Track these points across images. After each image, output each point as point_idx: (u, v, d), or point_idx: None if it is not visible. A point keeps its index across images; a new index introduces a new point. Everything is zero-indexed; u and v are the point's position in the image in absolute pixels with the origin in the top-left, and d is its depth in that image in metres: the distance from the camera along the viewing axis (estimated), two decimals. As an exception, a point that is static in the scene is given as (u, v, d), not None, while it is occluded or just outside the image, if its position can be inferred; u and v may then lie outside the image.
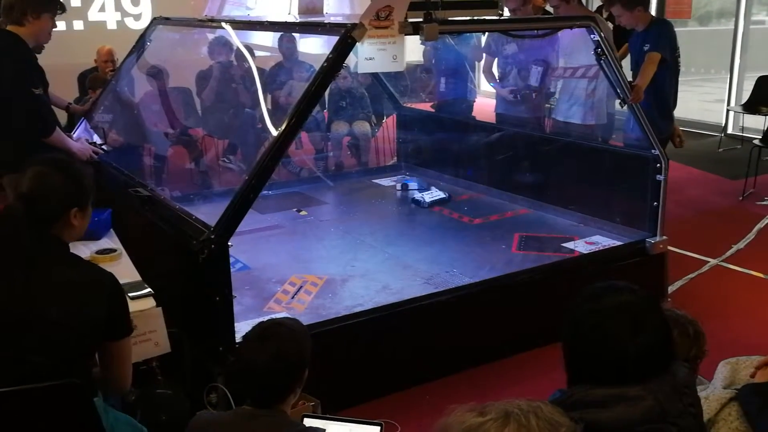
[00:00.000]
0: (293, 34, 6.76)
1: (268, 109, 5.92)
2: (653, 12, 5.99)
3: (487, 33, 5.71)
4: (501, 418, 1.24)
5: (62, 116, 5.33)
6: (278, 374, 2.04)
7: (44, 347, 2.01)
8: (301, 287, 3.89)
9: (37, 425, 2.02)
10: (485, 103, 6.99)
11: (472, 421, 1.25)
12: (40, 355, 2.01)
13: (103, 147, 4.65)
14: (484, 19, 4.02)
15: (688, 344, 2.40)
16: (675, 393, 1.62)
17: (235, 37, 5.83)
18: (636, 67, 4.76)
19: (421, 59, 7.60)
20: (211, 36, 6.73)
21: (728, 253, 5.26)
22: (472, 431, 1.24)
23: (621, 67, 4.16)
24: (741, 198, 6.56)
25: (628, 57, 5.06)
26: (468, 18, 3.93)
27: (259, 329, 2.13)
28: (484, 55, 6.03)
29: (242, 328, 3.01)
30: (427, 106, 6.94)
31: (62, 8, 4.02)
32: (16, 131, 3.79)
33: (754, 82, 8.21)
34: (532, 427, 1.23)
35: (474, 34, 6.18)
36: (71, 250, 2.23)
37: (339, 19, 4.31)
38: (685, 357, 2.36)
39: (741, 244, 5.43)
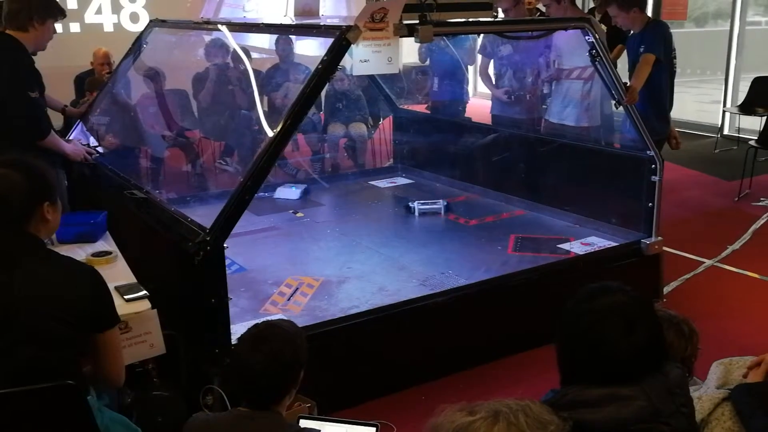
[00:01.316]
0: (289, 36, 6.77)
1: (264, 111, 5.92)
2: (649, 13, 6.00)
3: (482, 35, 5.72)
4: (490, 417, 1.25)
5: (59, 119, 5.33)
6: (274, 375, 2.05)
7: (32, 339, 2.04)
8: (297, 289, 3.89)
9: (30, 424, 2.02)
10: (481, 104, 7.00)
11: (462, 420, 1.26)
12: (28, 347, 2.03)
13: (97, 149, 4.66)
14: (479, 21, 4.02)
15: (684, 344, 2.41)
16: (667, 393, 1.63)
17: (231, 39, 5.84)
18: (634, 69, 4.77)
19: (417, 61, 7.60)
20: (207, 38, 6.74)
21: (724, 254, 5.27)
22: (462, 430, 1.25)
23: (615, 68, 4.17)
24: (737, 199, 6.57)
25: (624, 58, 5.08)
26: (463, 20, 3.92)
27: (255, 331, 2.15)
28: (479, 56, 6.05)
29: (238, 330, 3.00)
30: (423, 108, 6.96)
31: (63, 15, 4.08)
32: (12, 134, 3.80)
33: (749, 83, 8.23)
34: (521, 425, 1.24)
35: (469, 36, 6.19)
36: (66, 254, 2.26)
37: (334, 21, 4.31)
38: (681, 356, 2.37)
39: (736, 245, 5.44)
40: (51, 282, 2.11)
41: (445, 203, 5.28)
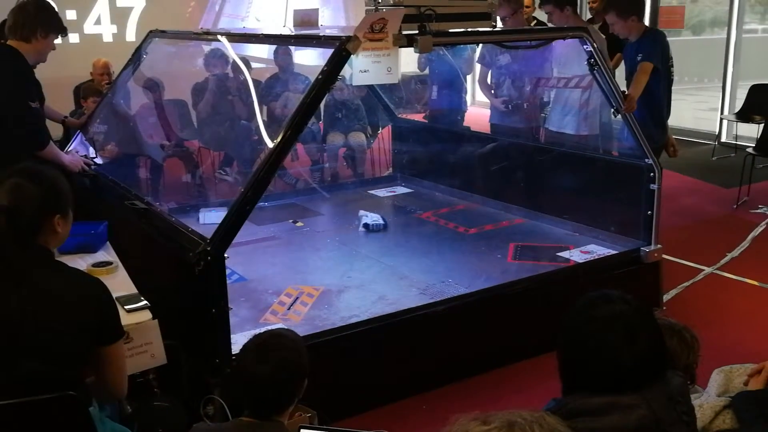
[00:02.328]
0: (289, 46, 6.79)
1: (264, 121, 5.93)
2: (646, 22, 6.03)
3: (481, 44, 5.74)
4: (505, 427, 1.24)
5: (58, 129, 5.35)
6: (279, 385, 2.06)
7: (36, 351, 2.03)
8: (297, 298, 3.89)
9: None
10: (480, 113, 7.02)
11: (476, 430, 1.25)
12: (32, 360, 2.02)
13: (96, 160, 4.66)
14: (478, 31, 4.03)
15: (685, 352, 2.42)
16: (669, 401, 1.64)
17: (230, 50, 5.85)
18: (631, 77, 4.79)
19: (416, 70, 7.62)
20: (206, 48, 6.75)
21: (723, 261, 5.28)
22: (476, 440, 1.24)
23: (614, 76, 4.19)
24: (735, 206, 6.58)
25: (622, 67, 5.09)
26: (462, 30, 3.94)
27: (259, 340, 2.15)
28: (478, 66, 6.07)
29: (239, 339, 3.01)
30: (421, 117, 6.97)
31: (65, 33, 4.16)
32: (11, 143, 3.81)
33: (747, 91, 8.26)
34: None
35: (468, 45, 6.21)
36: (69, 264, 2.25)
37: (334, 32, 4.34)
38: (684, 364, 2.37)
39: (735, 252, 5.45)
40: (57, 294, 2.10)
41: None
